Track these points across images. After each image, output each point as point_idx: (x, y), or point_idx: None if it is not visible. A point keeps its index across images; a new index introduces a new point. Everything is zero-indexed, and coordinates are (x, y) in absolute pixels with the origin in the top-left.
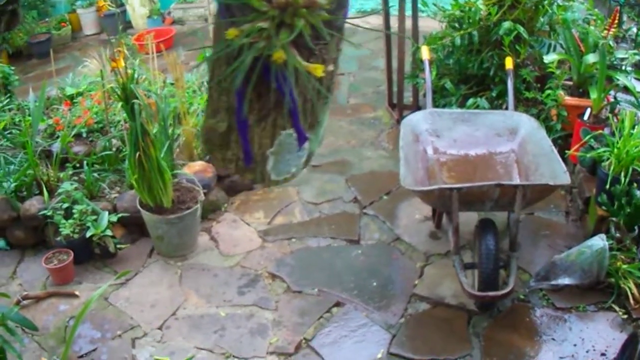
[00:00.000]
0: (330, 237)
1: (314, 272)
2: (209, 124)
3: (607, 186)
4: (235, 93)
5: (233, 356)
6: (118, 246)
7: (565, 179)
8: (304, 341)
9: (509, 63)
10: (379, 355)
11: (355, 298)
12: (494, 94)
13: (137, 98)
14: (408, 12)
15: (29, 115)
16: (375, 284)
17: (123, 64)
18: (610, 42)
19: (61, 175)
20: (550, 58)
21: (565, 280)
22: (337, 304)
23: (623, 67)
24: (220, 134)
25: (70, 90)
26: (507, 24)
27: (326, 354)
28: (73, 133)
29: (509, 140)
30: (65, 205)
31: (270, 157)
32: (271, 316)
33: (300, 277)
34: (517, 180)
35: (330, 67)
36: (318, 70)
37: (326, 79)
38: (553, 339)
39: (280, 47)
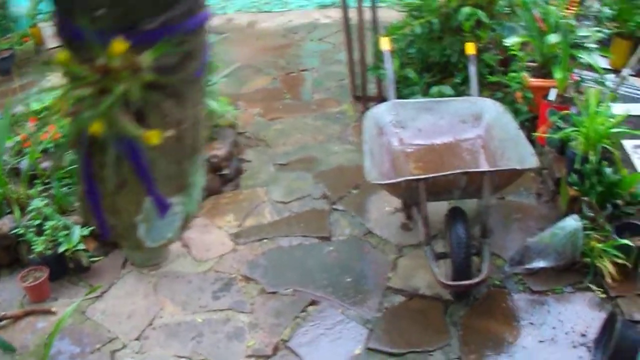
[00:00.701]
0: (302, 236)
1: (287, 271)
2: (79, 191)
3: (577, 166)
4: (79, 163)
5: None
6: (91, 259)
7: (532, 162)
8: (281, 342)
9: (470, 48)
10: (357, 352)
11: (330, 295)
12: (457, 81)
13: None
14: (367, 3)
15: None
16: (349, 279)
17: None
18: (572, 21)
19: (31, 192)
20: (511, 41)
21: (540, 263)
22: (312, 303)
23: (586, 45)
24: (81, 201)
25: (35, 106)
26: (466, 10)
27: (304, 354)
28: (40, 149)
29: (474, 126)
30: (37, 222)
31: (140, 224)
32: (247, 319)
33: (273, 278)
34: (484, 167)
35: (169, 132)
36: (153, 137)
37: (185, 142)
38: (531, 323)
39: (101, 116)
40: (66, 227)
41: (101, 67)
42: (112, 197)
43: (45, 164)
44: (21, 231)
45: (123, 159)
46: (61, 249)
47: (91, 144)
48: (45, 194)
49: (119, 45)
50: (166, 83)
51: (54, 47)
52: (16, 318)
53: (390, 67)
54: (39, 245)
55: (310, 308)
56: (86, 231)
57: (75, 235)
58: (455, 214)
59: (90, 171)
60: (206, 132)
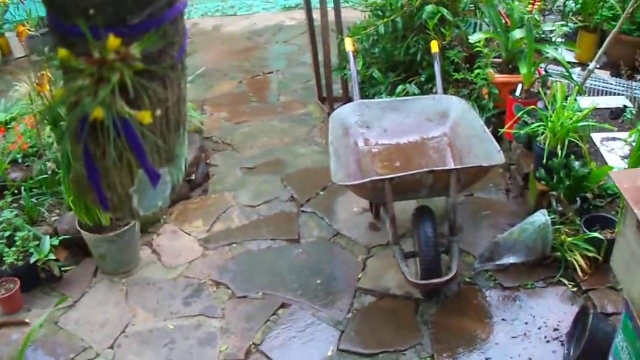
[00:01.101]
0: (270, 239)
1: (257, 275)
2: (74, 169)
3: (545, 161)
4: (80, 145)
5: None
6: (63, 269)
7: (499, 158)
8: (253, 346)
9: (434, 47)
10: (330, 353)
11: (300, 298)
12: (423, 79)
13: (64, 120)
14: (330, 5)
15: None
16: (319, 281)
17: (48, 87)
18: (536, 16)
19: (0, 203)
20: (476, 37)
21: (510, 259)
22: (283, 306)
23: (552, 40)
24: (78, 180)
25: (2, 117)
26: (430, 8)
27: (277, 357)
28: (9, 160)
29: (440, 124)
30: (7, 233)
31: (134, 195)
32: (219, 324)
33: (244, 282)
34: (451, 165)
35: (158, 112)
36: (145, 117)
37: (170, 118)
38: (504, 320)
39: (100, 104)
40: (37, 238)
41: (97, 60)
42: (109, 174)
43: (14, 175)
44: None
45: (118, 138)
46: (32, 260)
47: (90, 129)
48: (15, 205)
49: (114, 40)
50: (153, 69)
51: (22, 57)
52: None
53: (354, 67)
54: (10, 257)
55: (281, 311)
56: (56, 241)
57: (46, 245)
58: (422, 213)
59: (89, 153)
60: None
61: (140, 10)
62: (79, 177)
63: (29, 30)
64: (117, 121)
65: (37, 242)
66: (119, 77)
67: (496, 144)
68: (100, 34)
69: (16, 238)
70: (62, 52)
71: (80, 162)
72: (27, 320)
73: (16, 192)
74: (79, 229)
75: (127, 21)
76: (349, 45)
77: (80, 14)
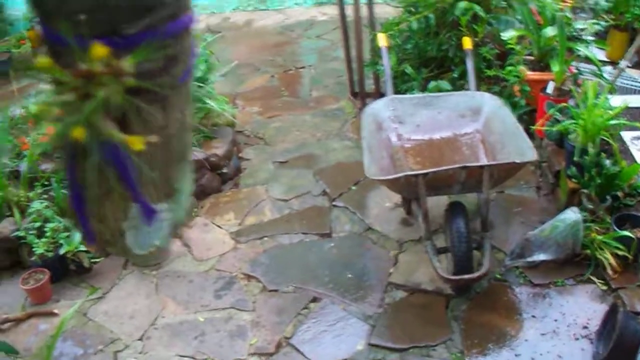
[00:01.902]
0: (302, 233)
1: (288, 269)
2: (67, 196)
3: (576, 158)
4: (64, 169)
5: None
6: (92, 260)
7: (531, 155)
8: (283, 340)
9: (467, 43)
10: (359, 347)
11: (331, 292)
12: (455, 75)
13: None
14: (363, 0)
15: None
16: (350, 276)
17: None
18: (568, 14)
19: (31, 194)
20: (508, 35)
21: (540, 256)
22: (314, 300)
23: (583, 37)
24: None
25: (33, 109)
26: (462, 4)
27: (307, 351)
28: (39, 151)
29: (472, 120)
30: (37, 224)
31: (128, 231)
32: (249, 317)
33: (275, 276)
34: (483, 161)
35: (153, 138)
36: (136, 143)
37: (171, 147)
38: (533, 316)
39: (83, 122)
40: (67, 229)
41: (83, 72)
42: (97, 203)
43: (45, 166)
44: (22, 234)
45: (107, 165)
46: (62, 251)
47: (75, 150)
48: (45, 196)
49: (99, 49)
50: (149, 88)
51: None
52: (18, 321)
53: (387, 63)
54: (40, 248)
55: (312, 305)
56: None
57: (76, 236)
58: (455, 209)
59: (74, 176)
60: (192, 139)
61: (137, 20)
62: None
63: None
64: (103, 146)
65: (67, 233)
66: (105, 93)
67: (529, 140)
68: (89, 44)
69: (46, 229)
70: (43, 61)
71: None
72: (56, 311)
73: (46, 183)
74: None
75: (121, 31)
76: (382, 40)
77: (69, 20)
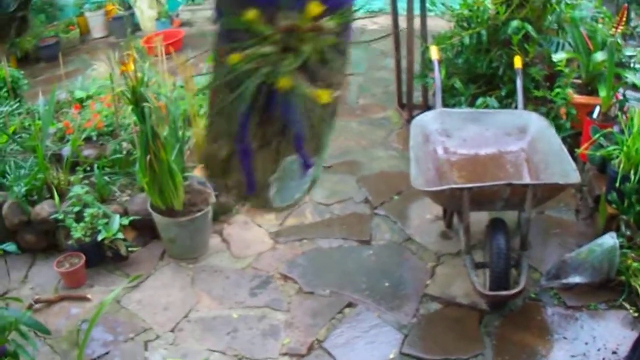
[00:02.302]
0: (342, 238)
1: (325, 273)
2: (209, 150)
3: (617, 184)
4: (238, 120)
5: (245, 358)
6: (129, 249)
7: (575, 177)
8: (316, 342)
9: (517, 62)
10: (392, 356)
11: (367, 298)
12: (503, 93)
13: (147, 101)
14: (416, 12)
15: (39, 119)
16: (387, 284)
17: (133, 67)
18: (619, 40)
19: (72, 178)
20: (559, 56)
21: (576, 279)
22: (349, 305)
23: (631, 65)
24: (221, 161)
25: (79, 94)
26: (515, 23)
27: (339, 355)
28: (83, 136)
29: (518, 139)
30: (77, 208)
31: (273, 183)
32: (283, 317)
33: (312, 278)
34: (527, 179)
35: (337, 92)
36: (325, 96)
37: (332, 104)
38: (564, 338)
39: (286, 73)
40: (106, 216)
41: (287, 27)
42: (255, 155)
43: (87, 152)
44: (60, 217)
45: (282, 118)
46: (100, 237)
47: (253, 101)
48: (86, 182)
49: (314, 8)
50: (338, 47)
51: (99, 37)
52: (50, 302)
53: (438, 75)
54: (78, 232)
55: (347, 310)
56: (126, 221)
57: (115, 224)
58: (496, 225)
59: (246, 128)
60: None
61: None
62: (220, 156)
63: (118, 9)
64: (284, 98)
65: (105, 220)
66: (310, 48)
67: (573, 162)
68: (305, 2)
69: (85, 214)
70: (251, 14)
71: (226, 140)
72: (89, 296)
73: (88, 168)
74: (150, 210)
75: None
76: (434, 53)
77: None
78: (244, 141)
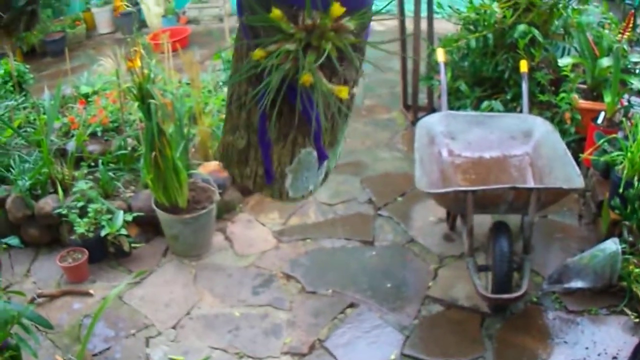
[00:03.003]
0: (345, 238)
1: (328, 272)
2: (227, 140)
3: (621, 190)
4: (259, 112)
5: (247, 356)
6: (133, 245)
7: (579, 182)
8: (317, 342)
9: (523, 66)
10: (392, 357)
11: (369, 299)
12: (508, 97)
13: (153, 98)
14: (423, 14)
15: (44, 114)
16: (389, 285)
17: (139, 64)
18: (625, 46)
19: (76, 174)
20: (564, 61)
21: (578, 284)
22: (351, 305)
23: (637, 71)
24: (238, 151)
25: (85, 89)
26: (522, 27)
27: (340, 355)
28: (88, 132)
29: (523, 143)
30: (80, 204)
31: (288, 174)
32: (285, 316)
33: (314, 278)
34: (531, 184)
35: (355, 89)
36: (344, 92)
37: (348, 100)
38: (565, 342)
39: (308, 69)
40: (109, 211)
41: (308, 26)
42: (274, 147)
43: (92, 147)
44: (64, 211)
45: (295, 112)
46: (103, 233)
47: (275, 94)
48: (90, 177)
49: (337, 9)
50: (357, 45)
51: (106, 33)
52: (53, 297)
53: (444, 78)
54: (81, 227)
55: (349, 310)
56: (130, 217)
57: (119, 220)
58: (499, 228)
59: (265, 120)
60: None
61: None
62: (237, 147)
63: (125, 5)
64: (304, 92)
65: (109, 216)
66: (331, 45)
67: (577, 168)
68: (320, 3)
69: (89, 209)
70: (276, 13)
71: (244, 131)
72: (91, 291)
73: (92, 164)
74: (154, 207)
75: None
76: (440, 55)
77: None
78: (264, 133)
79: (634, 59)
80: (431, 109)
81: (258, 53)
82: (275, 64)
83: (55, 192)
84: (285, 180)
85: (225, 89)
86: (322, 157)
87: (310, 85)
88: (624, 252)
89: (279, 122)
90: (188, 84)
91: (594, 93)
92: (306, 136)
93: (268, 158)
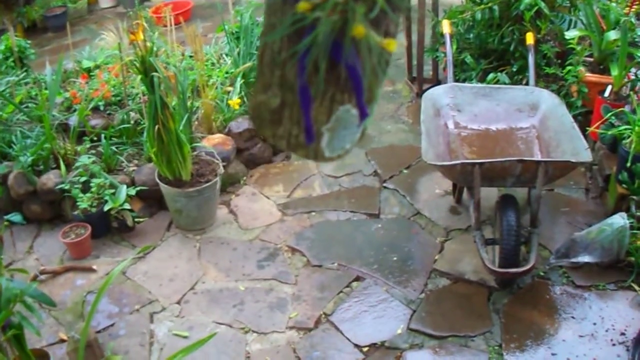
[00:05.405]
0: (350, 211)
1: (333, 246)
2: (259, 100)
3: (628, 164)
4: (297, 69)
5: (252, 331)
6: (136, 220)
7: (586, 156)
8: (323, 316)
9: (529, 38)
10: (399, 331)
11: (375, 273)
12: (514, 69)
13: (156, 71)
14: None
15: (46, 89)
16: (395, 258)
17: (142, 37)
18: (632, 19)
19: (78, 148)
20: (571, 34)
21: (585, 258)
22: (357, 279)
23: None
24: (271, 110)
25: (87, 63)
26: None
27: (346, 329)
28: (90, 106)
29: (529, 115)
30: (83, 179)
31: (325, 133)
32: (291, 290)
33: (320, 251)
34: (537, 156)
35: (401, 42)
36: (392, 45)
37: (387, 55)
38: (573, 317)
39: (358, 21)
40: (112, 186)
41: None
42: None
43: (95, 122)
44: (66, 187)
45: (344, 67)
46: (106, 208)
47: (318, 49)
48: (92, 152)
49: None
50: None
51: (107, 7)
52: (55, 274)
53: (449, 50)
54: (84, 202)
55: (355, 284)
56: (133, 191)
57: (122, 194)
58: (507, 201)
59: (305, 76)
60: None
61: None
62: (270, 106)
63: None
64: (349, 46)
65: (112, 190)
66: None
67: (584, 141)
68: None
69: (92, 184)
70: None
71: (278, 90)
72: (94, 267)
73: (95, 138)
74: (157, 181)
75: None
76: (446, 27)
77: None
78: (306, 92)
79: None
80: (436, 81)
81: (303, 5)
82: (322, 16)
83: (58, 167)
84: (321, 140)
85: (229, 61)
86: (363, 114)
87: (360, 39)
88: (631, 227)
89: (318, 78)
90: (191, 56)
91: (600, 66)
92: (345, 93)
93: (309, 117)
